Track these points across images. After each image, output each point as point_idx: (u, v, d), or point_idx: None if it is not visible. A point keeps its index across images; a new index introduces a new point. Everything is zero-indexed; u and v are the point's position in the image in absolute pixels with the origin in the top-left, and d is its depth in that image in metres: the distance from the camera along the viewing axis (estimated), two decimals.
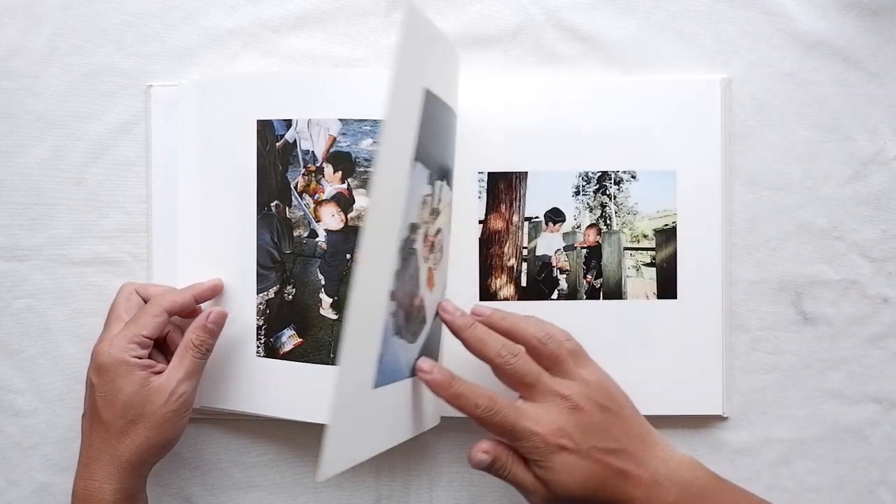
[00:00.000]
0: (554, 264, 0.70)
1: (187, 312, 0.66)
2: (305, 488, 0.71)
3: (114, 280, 0.69)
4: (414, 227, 0.58)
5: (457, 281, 0.69)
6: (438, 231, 0.63)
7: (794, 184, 0.70)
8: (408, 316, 0.60)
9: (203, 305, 0.68)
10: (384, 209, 0.53)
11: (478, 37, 0.70)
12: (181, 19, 0.71)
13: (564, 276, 0.69)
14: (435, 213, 0.62)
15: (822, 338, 0.70)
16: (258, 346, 0.68)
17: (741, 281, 0.70)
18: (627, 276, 0.69)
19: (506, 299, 0.69)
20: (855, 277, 0.70)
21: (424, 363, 0.60)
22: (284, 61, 0.71)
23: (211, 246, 0.69)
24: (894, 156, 0.70)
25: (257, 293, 0.67)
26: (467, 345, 0.61)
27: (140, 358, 0.62)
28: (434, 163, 0.60)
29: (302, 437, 0.71)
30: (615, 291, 0.69)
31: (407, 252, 0.57)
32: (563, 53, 0.70)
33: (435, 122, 0.58)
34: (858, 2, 0.70)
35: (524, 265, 0.69)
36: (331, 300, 0.66)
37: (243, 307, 0.68)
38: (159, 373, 0.63)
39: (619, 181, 0.69)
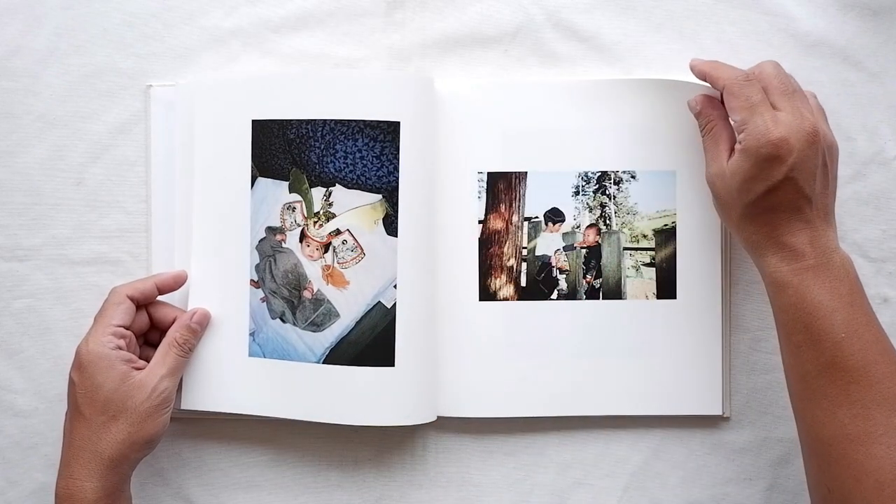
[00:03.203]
0: (553, 264, 0.69)
1: (151, 302, 0.67)
2: (305, 488, 0.71)
3: (114, 280, 0.69)
4: (274, 230, 0.66)
5: (457, 281, 0.69)
6: (337, 232, 0.65)
7: None
8: (293, 304, 0.66)
9: (181, 301, 0.68)
10: (232, 217, 0.67)
11: (478, 37, 0.70)
12: (181, 19, 0.71)
13: (564, 276, 0.69)
14: (325, 216, 0.65)
15: None
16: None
17: (741, 281, 0.70)
18: (627, 276, 0.69)
19: (505, 299, 0.69)
20: None
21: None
22: (284, 61, 0.71)
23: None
24: (894, 156, 0.70)
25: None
26: (705, 76, 0.63)
27: (120, 349, 0.63)
28: (298, 174, 0.66)
29: (302, 437, 0.71)
30: (615, 291, 0.69)
31: (270, 250, 0.66)
32: (563, 53, 0.70)
33: (279, 141, 0.66)
34: (858, 2, 0.70)
35: (524, 265, 0.69)
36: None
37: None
38: (140, 369, 0.64)
39: (618, 181, 0.69)
